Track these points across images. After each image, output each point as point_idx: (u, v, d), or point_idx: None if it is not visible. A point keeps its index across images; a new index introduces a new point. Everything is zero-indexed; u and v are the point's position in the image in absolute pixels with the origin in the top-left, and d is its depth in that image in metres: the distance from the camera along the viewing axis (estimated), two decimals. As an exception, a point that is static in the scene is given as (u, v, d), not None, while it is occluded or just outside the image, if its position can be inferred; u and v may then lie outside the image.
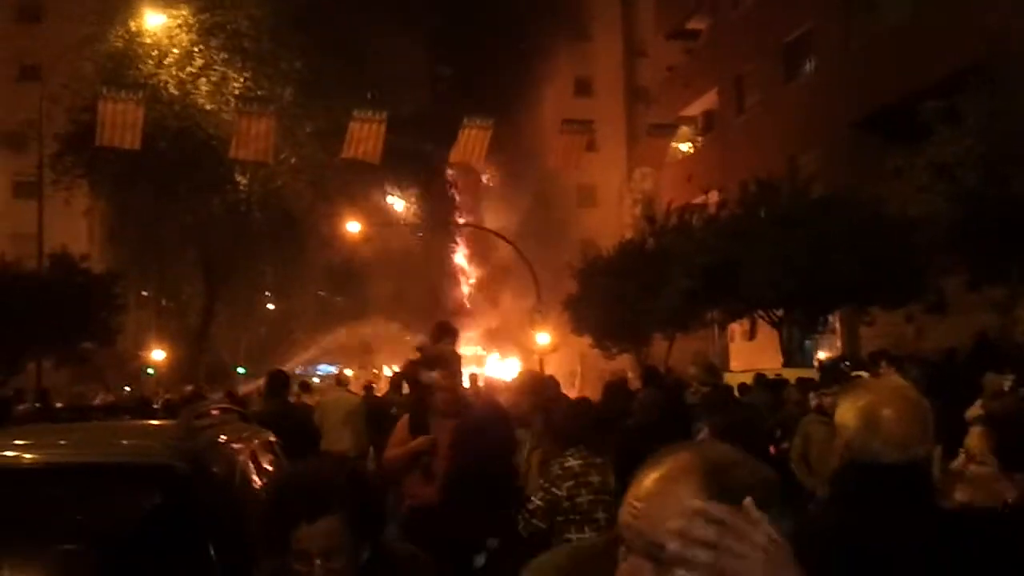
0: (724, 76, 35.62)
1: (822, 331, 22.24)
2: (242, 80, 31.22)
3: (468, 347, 33.72)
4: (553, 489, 5.82)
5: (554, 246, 38.61)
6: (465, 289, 50.01)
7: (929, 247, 15.93)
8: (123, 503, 4.19)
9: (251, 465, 5.09)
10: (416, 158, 33.14)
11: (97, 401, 25.42)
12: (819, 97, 28.08)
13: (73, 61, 31.86)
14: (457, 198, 41.70)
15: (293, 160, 31.91)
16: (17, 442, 4.63)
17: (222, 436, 5.25)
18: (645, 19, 50.75)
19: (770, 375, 14.69)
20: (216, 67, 31.24)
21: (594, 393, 28.67)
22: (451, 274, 47.86)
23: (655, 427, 7.03)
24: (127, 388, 31.66)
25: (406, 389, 15.17)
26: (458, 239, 44.24)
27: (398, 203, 38.82)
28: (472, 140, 21.85)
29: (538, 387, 7.49)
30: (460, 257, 47.36)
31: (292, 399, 13.11)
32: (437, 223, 39.52)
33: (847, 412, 2.86)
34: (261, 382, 13.92)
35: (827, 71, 28.14)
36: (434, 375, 6.71)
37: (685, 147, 39.60)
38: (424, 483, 6.63)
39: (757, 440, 8.57)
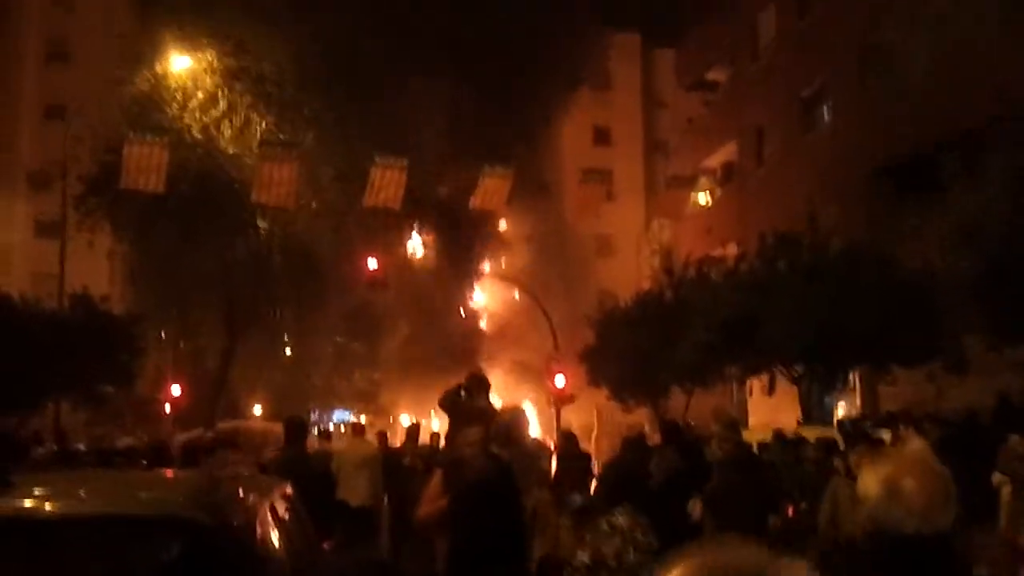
0: (743, 128, 35.78)
1: (841, 388, 22.06)
2: (265, 125, 31.50)
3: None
4: (602, 548, 5.74)
5: (571, 295, 38.61)
6: (482, 336, 49.97)
7: (950, 305, 15.83)
8: (144, 556, 4.18)
9: (270, 518, 5.07)
10: (436, 204, 33.29)
11: (123, 445, 25.45)
12: (838, 149, 28.15)
13: (99, 102, 32.25)
14: (476, 245, 41.80)
15: (314, 204, 32.08)
16: (37, 491, 4.62)
17: (242, 489, 5.24)
18: (665, 70, 51.14)
19: (789, 432, 14.58)
20: (240, 111, 31.53)
21: (611, 446, 28.44)
22: (468, 321, 47.85)
23: (674, 488, 6.97)
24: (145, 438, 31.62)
25: (425, 439, 15.12)
26: (476, 286, 44.27)
27: (418, 249, 38.92)
28: (492, 187, 21.98)
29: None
30: (477, 304, 47.36)
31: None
32: (455, 269, 39.58)
33: (870, 481, 2.85)
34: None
35: (845, 124, 28.25)
36: (470, 433, 6.62)
37: (704, 198, 39.66)
38: None
39: (746, 510, 8.48)
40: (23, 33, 49.39)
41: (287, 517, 5.48)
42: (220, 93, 31.55)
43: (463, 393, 7.83)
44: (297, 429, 10.41)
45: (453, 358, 45.42)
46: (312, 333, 37.40)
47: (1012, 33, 20.69)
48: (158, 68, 31.90)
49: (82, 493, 4.76)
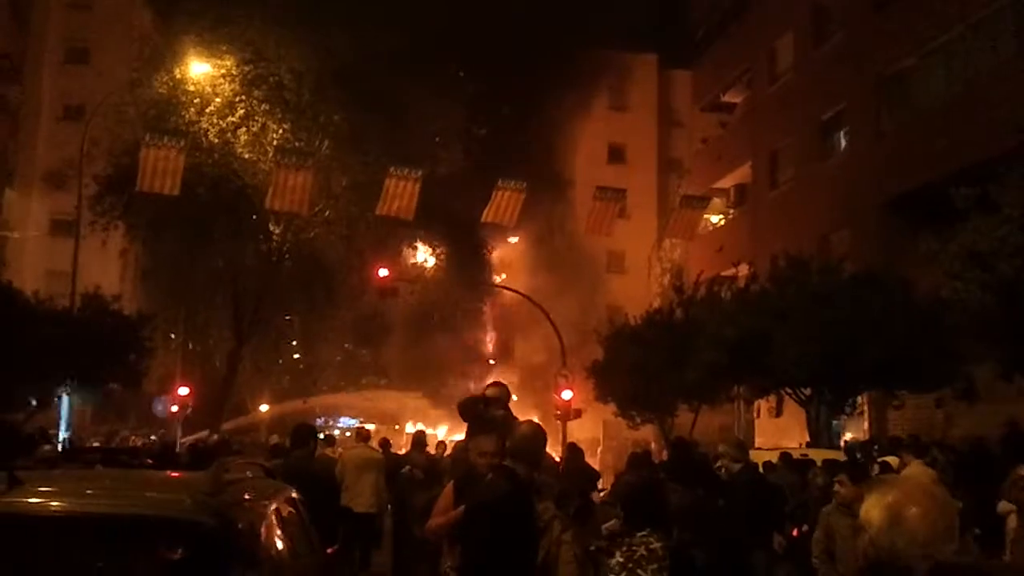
0: (758, 150, 35.79)
1: (850, 412, 21.97)
2: (281, 131, 31.63)
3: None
4: (639, 571, 5.73)
5: (581, 310, 38.60)
6: (490, 348, 50.01)
7: (960, 333, 15.78)
8: (149, 556, 4.19)
9: (274, 522, 5.09)
10: (448, 216, 33.37)
11: (139, 443, 25.74)
12: (852, 176, 28.13)
13: (117, 104, 32.42)
14: (487, 257, 41.86)
15: (327, 213, 32.18)
16: (45, 489, 4.64)
17: (247, 492, 5.26)
18: (680, 91, 51.27)
19: (796, 454, 14.54)
20: (257, 118, 31.66)
21: (616, 462, 28.43)
22: (477, 333, 47.89)
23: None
24: (152, 437, 31.78)
25: (447, 449, 15.04)
26: (486, 298, 44.31)
27: (429, 260, 39.00)
28: (505, 201, 21.98)
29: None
30: (487, 316, 47.39)
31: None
32: (466, 282, 39.63)
33: (873, 509, 2.84)
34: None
35: (860, 151, 28.24)
36: (483, 442, 6.51)
37: (716, 219, 39.65)
38: None
39: (752, 530, 8.45)
40: (42, 34, 49.70)
41: (291, 521, 5.50)
42: (238, 99, 31.71)
43: (483, 402, 7.75)
44: (304, 434, 10.41)
45: (461, 368, 45.56)
46: (320, 339, 37.44)
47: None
48: (176, 72, 32.07)
49: (89, 492, 4.78)
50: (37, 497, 4.46)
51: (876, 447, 16.93)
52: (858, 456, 14.89)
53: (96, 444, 23.72)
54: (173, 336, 36.78)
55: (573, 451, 12.26)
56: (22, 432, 19.46)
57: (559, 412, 29.18)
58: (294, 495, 5.93)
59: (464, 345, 46.68)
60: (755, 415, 31.60)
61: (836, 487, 7.62)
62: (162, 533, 4.22)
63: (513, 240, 43.92)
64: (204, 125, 31.19)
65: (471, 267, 39.38)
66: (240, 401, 40.30)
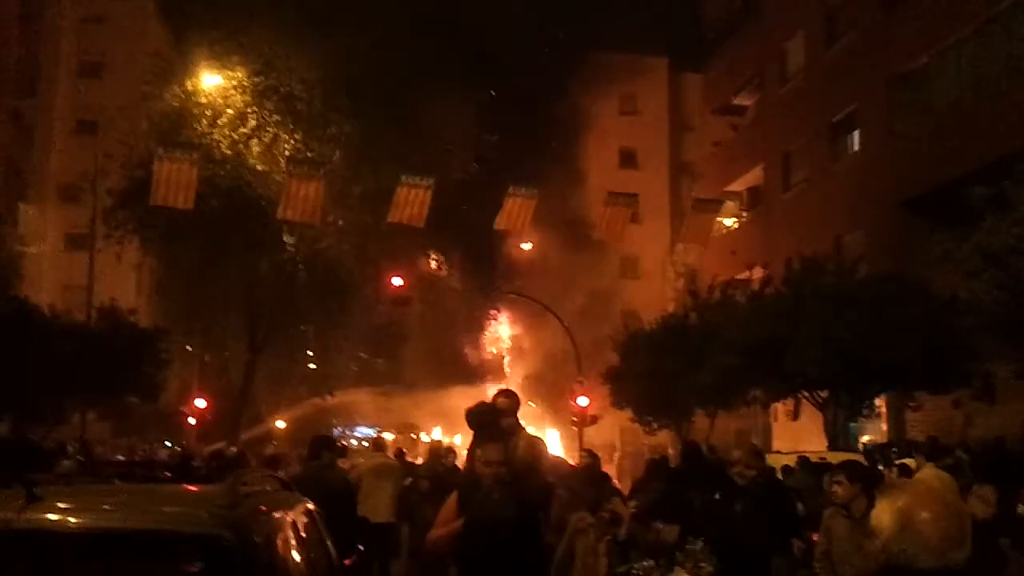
0: (771, 153, 35.72)
1: (867, 414, 21.88)
2: (293, 142, 31.74)
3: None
4: None
5: (596, 316, 38.56)
6: (504, 355, 50.01)
7: (977, 333, 15.71)
8: (167, 571, 4.20)
9: (291, 535, 5.08)
10: (461, 223, 33.40)
11: (166, 455, 25.85)
12: (865, 177, 28.04)
13: (130, 118, 32.58)
14: (500, 264, 41.90)
15: (340, 222, 32.24)
16: (62, 505, 4.65)
17: (264, 505, 5.25)
18: (691, 94, 51.25)
19: (814, 458, 14.48)
20: (268, 128, 31.78)
21: (633, 468, 28.36)
22: (491, 340, 47.89)
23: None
24: (168, 443, 31.91)
25: (459, 459, 14.99)
26: (499, 306, 44.33)
27: (442, 267, 39.05)
28: (517, 208, 21.92)
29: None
30: (501, 323, 47.40)
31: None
32: (479, 289, 39.66)
33: (884, 513, 2.83)
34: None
35: (873, 151, 28.14)
36: (489, 451, 6.47)
37: (729, 222, 39.58)
38: None
39: (769, 535, 8.38)
40: (56, 48, 50.03)
41: (308, 534, 5.49)
42: (249, 111, 31.83)
43: (492, 411, 7.67)
44: (320, 445, 10.43)
45: (476, 376, 45.54)
46: (335, 349, 37.49)
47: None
48: (189, 85, 32.23)
49: (106, 507, 4.78)
50: (56, 513, 4.46)
51: (895, 449, 16.85)
52: (876, 459, 14.82)
53: (121, 458, 23.83)
54: (189, 348, 36.90)
55: (589, 459, 12.21)
56: (43, 447, 19.53)
57: (575, 419, 29.19)
58: (311, 507, 5.92)
59: (478, 352, 46.70)
60: (772, 419, 31.49)
61: (834, 487, 7.47)
62: (180, 547, 4.22)
63: (526, 246, 43.93)
64: (216, 137, 31.32)
65: (484, 274, 39.41)
66: (256, 412, 40.39)
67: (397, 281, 32.46)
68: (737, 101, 40.28)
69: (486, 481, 6.19)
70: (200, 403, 34.60)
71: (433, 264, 38.47)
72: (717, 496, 8.88)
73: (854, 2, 29.94)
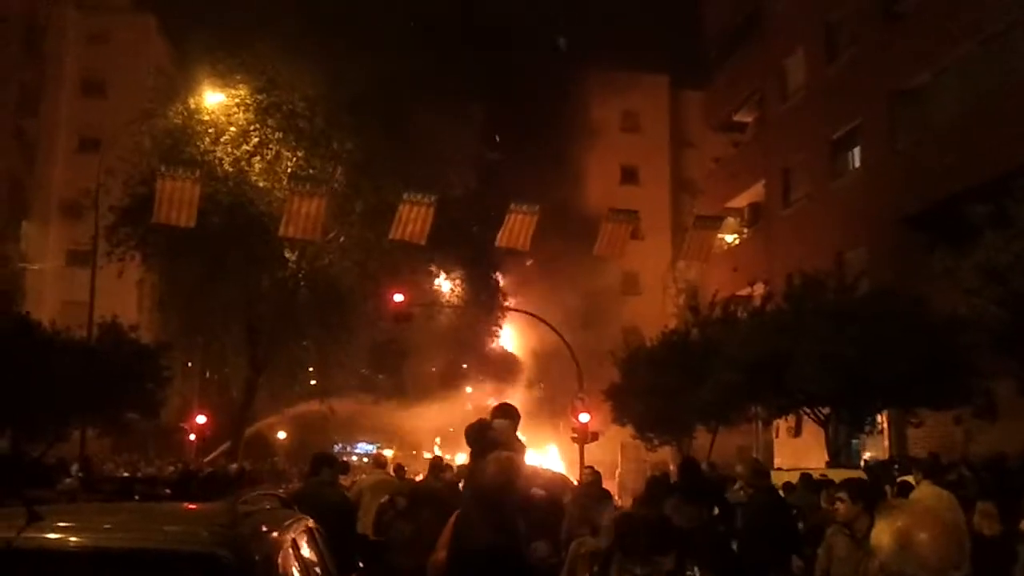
0: (771, 169, 35.75)
1: (869, 431, 21.83)
2: (295, 159, 31.81)
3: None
4: None
5: (597, 332, 38.54)
6: (505, 371, 49.93)
7: (978, 349, 15.70)
8: (166, 591, 4.18)
9: (291, 553, 5.08)
10: (462, 240, 33.43)
11: (169, 470, 25.82)
12: (866, 193, 28.05)
13: (132, 135, 32.66)
14: (501, 281, 41.93)
15: (342, 239, 32.28)
16: (63, 524, 4.65)
17: (265, 523, 5.25)
18: (692, 111, 51.41)
19: (815, 475, 14.45)
20: (271, 146, 31.86)
21: (635, 484, 28.24)
22: (492, 356, 47.84)
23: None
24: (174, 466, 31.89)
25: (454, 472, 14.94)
26: (501, 322, 44.33)
27: (443, 284, 39.07)
28: (518, 224, 21.96)
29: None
30: (502, 339, 47.36)
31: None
32: (481, 305, 39.68)
33: (883, 533, 2.83)
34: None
35: (874, 167, 28.15)
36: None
37: (731, 238, 39.60)
38: None
39: (770, 552, 8.34)
40: (59, 67, 50.24)
41: (309, 552, 5.48)
42: (252, 128, 31.91)
43: (490, 428, 7.61)
44: (321, 462, 10.40)
45: (476, 390, 45.53)
46: (336, 365, 37.47)
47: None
48: (191, 102, 32.33)
49: (107, 526, 4.78)
50: (56, 532, 4.46)
51: (896, 466, 16.82)
52: (879, 476, 14.78)
53: (126, 474, 23.78)
54: (190, 365, 36.89)
55: (590, 475, 12.18)
56: (44, 464, 19.52)
57: (576, 435, 29.10)
58: (311, 524, 5.91)
59: (479, 368, 46.65)
60: (774, 435, 31.43)
61: (836, 505, 7.44)
62: (180, 566, 4.22)
63: (528, 263, 43.97)
64: (219, 154, 31.40)
65: (485, 290, 39.42)
66: (258, 430, 40.36)
67: (398, 297, 32.46)
68: (738, 118, 40.34)
69: (465, 505, 6.17)
70: (201, 419, 34.55)
71: (436, 282, 38.52)
72: (716, 511, 8.87)
73: (854, 19, 30.00)
